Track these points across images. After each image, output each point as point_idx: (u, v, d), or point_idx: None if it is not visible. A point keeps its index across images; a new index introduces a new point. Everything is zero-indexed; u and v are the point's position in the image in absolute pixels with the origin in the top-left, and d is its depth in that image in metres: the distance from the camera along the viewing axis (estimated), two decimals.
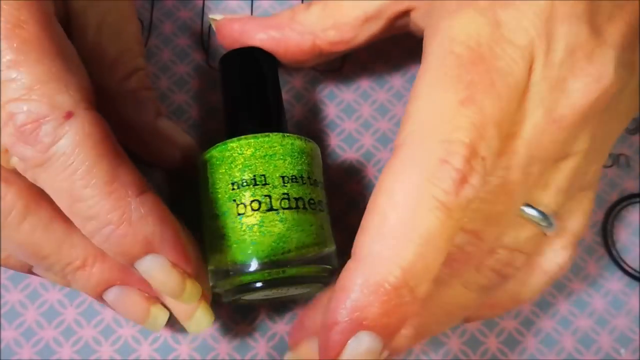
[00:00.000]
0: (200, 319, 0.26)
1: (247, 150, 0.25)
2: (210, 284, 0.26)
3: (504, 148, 0.21)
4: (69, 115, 0.21)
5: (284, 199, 0.25)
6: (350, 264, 0.20)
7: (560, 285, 0.31)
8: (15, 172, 0.24)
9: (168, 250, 0.23)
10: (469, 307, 0.26)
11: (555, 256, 0.27)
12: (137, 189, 0.22)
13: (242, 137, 0.26)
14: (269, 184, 0.25)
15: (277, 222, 0.24)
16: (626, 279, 0.31)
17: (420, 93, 0.21)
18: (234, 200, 0.25)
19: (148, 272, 0.23)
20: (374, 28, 0.29)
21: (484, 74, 0.21)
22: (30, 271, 0.26)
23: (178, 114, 0.33)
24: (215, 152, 0.26)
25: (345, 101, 0.34)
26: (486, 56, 0.21)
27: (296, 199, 0.25)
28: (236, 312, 0.30)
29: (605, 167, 0.33)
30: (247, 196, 0.25)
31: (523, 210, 0.24)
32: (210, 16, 0.31)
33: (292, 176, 0.25)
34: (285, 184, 0.25)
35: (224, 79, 0.29)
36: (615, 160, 0.33)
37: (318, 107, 0.34)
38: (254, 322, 0.30)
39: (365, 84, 0.34)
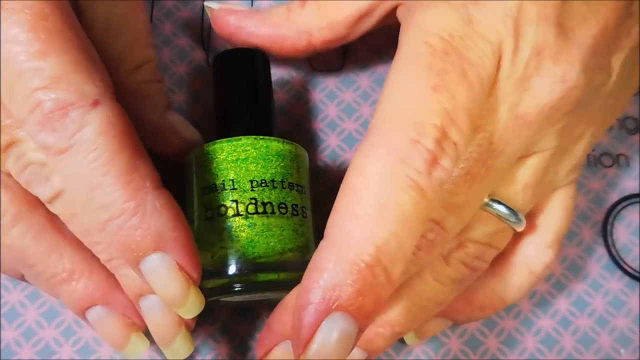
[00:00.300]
0: (178, 347, 0.25)
1: (220, 155, 0.25)
2: None
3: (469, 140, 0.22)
4: (95, 103, 0.21)
5: (251, 204, 0.24)
6: (323, 244, 0.20)
7: (560, 285, 0.31)
8: (11, 176, 0.24)
9: (178, 250, 0.22)
10: (443, 302, 0.26)
11: (541, 255, 0.27)
12: (155, 182, 0.22)
13: (217, 140, 0.25)
14: (237, 189, 0.25)
15: (245, 227, 0.24)
16: (626, 279, 0.31)
17: (393, 80, 0.22)
18: (204, 205, 0.25)
19: (153, 272, 0.22)
20: (366, 25, 0.29)
21: (456, 63, 0.21)
22: (22, 278, 0.26)
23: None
24: (193, 156, 0.26)
25: (345, 101, 0.34)
26: (458, 47, 0.21)
27: (264, 204, 0.24)
28: (236, 312, 0.30)
29: (605, 167, 0.33)
30: (215, 201, 0.25)
31: (490, 205, 0.24)
32: (206, 3, 0.31)
33: (262, 180, 0.25)
34: (254, 189, 0.25)
35: (213, 81, 0.29)
36: (615, 160, 0.33)
37: (318, 107, 0.34)
38: (254, 322, 0.30)
39: (365, 84, 0.34)
